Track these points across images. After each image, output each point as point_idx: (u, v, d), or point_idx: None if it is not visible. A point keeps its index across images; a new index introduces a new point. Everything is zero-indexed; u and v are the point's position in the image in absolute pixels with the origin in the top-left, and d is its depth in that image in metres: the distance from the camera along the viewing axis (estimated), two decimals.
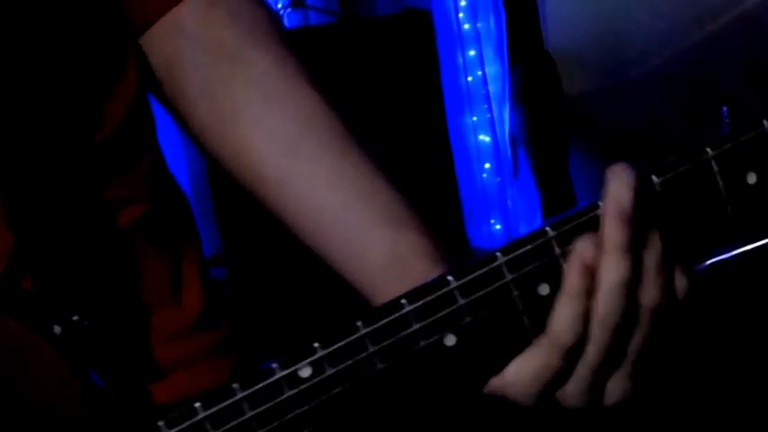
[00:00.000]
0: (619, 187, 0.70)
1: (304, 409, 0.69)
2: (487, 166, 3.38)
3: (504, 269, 0.71)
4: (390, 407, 0.70)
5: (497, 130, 3.41)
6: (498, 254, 0.71)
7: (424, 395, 0.71)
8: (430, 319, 0.71)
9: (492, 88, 3.39)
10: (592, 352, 0.70)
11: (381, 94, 2.82)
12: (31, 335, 0.69)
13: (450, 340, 0.71)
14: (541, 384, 0.71)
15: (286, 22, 2.97)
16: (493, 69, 3.39)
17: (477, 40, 3.36)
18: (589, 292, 0.70)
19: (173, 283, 0.85)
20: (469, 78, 3.37)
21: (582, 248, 0.70)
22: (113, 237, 0.80)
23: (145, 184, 0.84)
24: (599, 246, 0.70)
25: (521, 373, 0.71)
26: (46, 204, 0.75)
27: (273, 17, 0.89)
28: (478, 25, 3.36)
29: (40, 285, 0.72)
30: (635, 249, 0.70)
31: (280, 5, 2.94)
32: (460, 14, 3.33)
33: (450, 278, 0.71)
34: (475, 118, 3.38)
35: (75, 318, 0.70)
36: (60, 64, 0.79)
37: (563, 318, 0.70)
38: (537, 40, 3.48)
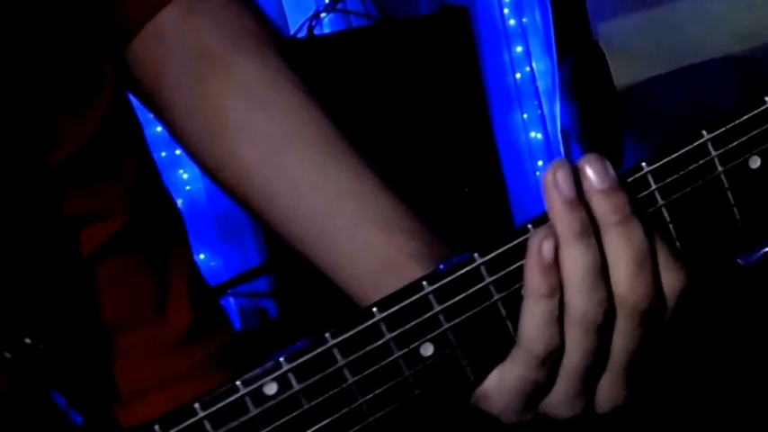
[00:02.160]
0: (559, 174, 0.65)
1: (271, 428, 0.64)
2: (540, 163, 3.34)
3: (484, 271, 0.66)
4: (365, 423, 0.65)
5: (549, 126, 3.36)
6: (476, 255, 0.66)
7: (404, 409, 0.66)
8: (404, 328, 0.66)
9: (541, 84, 3.35)
10: (572, 357, 0.65)
11: (422, 95, 2.79)
12: None
13: (428, 350, 0.66)
14: (523, 398, 0.66)
15: (328, 26, 2.95)
16: (541, 65, 3.35)
17: (523, 35, 3.32)
18: (554, 291, 0.65)
19: (157, 297, 0.82)
20: (518, 75, 3.33)
21: (537, 244, 0.65)
22: (73, 255, 0.76)
23: (125, 195, 0.81)
24: (555, 238, 0.65)
25: (501, 387, 0.66)
26: None
27: (261, 21, 0.85)
28: (524, 20, 3.32)
29: None
30: (597, 234, 0.65)
31: (322, 8, 2.93)
32: (505, 10, 3.29)
33: (424, 283, 0.66)
34: (525, 115, 3.34)
35: (26, 341, 0.67)
36: (29, 78, 0.76)
37: (532, 324, 0.65)
38: (585, 32, 3.43)
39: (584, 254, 0.65)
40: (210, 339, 0.84)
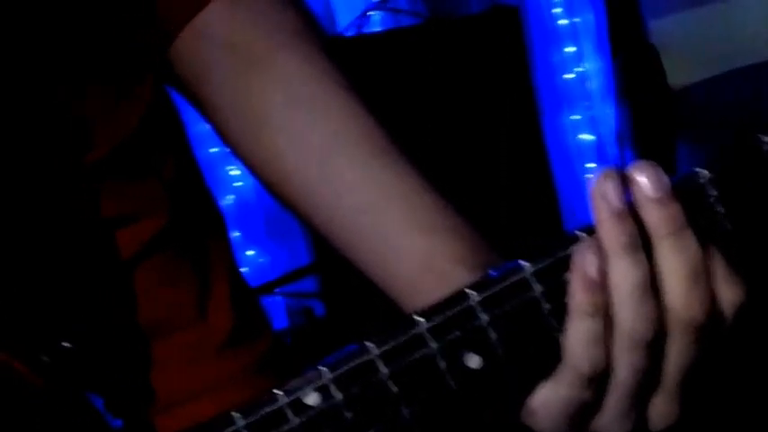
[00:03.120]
0: (607, 184, 0.63)
1: None
2: (591, 165, 3.31)
3: (533, 280, 0.64)
4: None
5: (600, 127, 3.33)
6: (525, 263, 0.64)
7: (447, 421, 0.64)
8: (449, 338, 0.64)
9: (593, 85, 3.31)
10: (621, 376, 0.63)
11: (470, 95, 2.77)
12: (19, 365, 0.65)
13: (474, 361, 0.64)
14: (569, 417, 0.63)
15: (378, 25, 2.95)
16: (593, 65, 3.32)
17: (575, 35, 3.29)
18: (600, 308, 0.62)
19: (197, 300, 0.80)
20: (569, 76, 3.30)
21: (581, 259, 0.63)
22: (111, 257, 0.75)
23: (165, 194, 0.80)
24: (602, 251, 0.63)
25: (547, 406, 0.64)
26: (32, 227, 0.71)
27: (306, 19, 0.84)
28: (576, 20, 3.29)
29: (25, 314, 0.68)
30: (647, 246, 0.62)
31: (371, 6, 2.92)
32: (556, 9, 3.26)
33: (470, 291, 0.64)
34: (576, 116, 3.31)
35: (64, 344, 0.66)
36: (65, 76, 0.76)
37: (577, 342, 0.62)
38: (639, 31, 3.39)
39: (632, 268, 0.63)
40: (252, 344, 0.82)
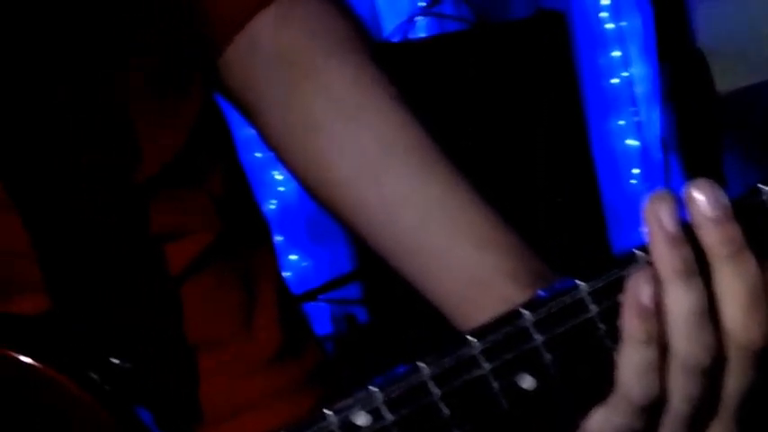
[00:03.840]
0: (661, 207, 0.61)
1: None
2: (636, 171, 3.28)
3: (588, 300, 0.63)
4: None
5: (646, 133, 3.30)
6: (581, 283, 0.63)
7: None
8: (502, 359, 0.63)
9: (639, 90, 3.29)
10: (676, 404, 0.61)
11: (516, 100, 2.76)
12: (68, 381, 0.65)
13: (528, 382, 0.63)
14: None
15: (423, 30, 2.94)
16: (640, 70, 3.29)
17: (621, 39, 3.26)
18: (654, 336, 0.61)
19: (244, 314, 0.79)
20: (614, 80, 3.27)
21: (635, 287, 0.61)
22: (160, 273, 0.75)
23: (214, 207, 0.79)
24: (656, 276, 0.61)
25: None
26: (84, 245, 0.71)
27: (354, 26, 0.83)
28: (622, 24, 3.26)
29: (74, 330, 0.68)
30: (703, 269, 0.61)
31: (416, 12, 2.92)
32: (603, 14, 3.23)
33: (524, 311, 0.63)
34: (622, 122, 3.28)
35: (113, 361, 0.65)
36: (114, 92, 0.75)
37: (630, 371, 0.61)
38: (686, 36, 3.36)
39: (688, 294, 0.61)
40: (298, 358, 0.81)
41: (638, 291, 0.61)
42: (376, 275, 2.66)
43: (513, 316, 0.63)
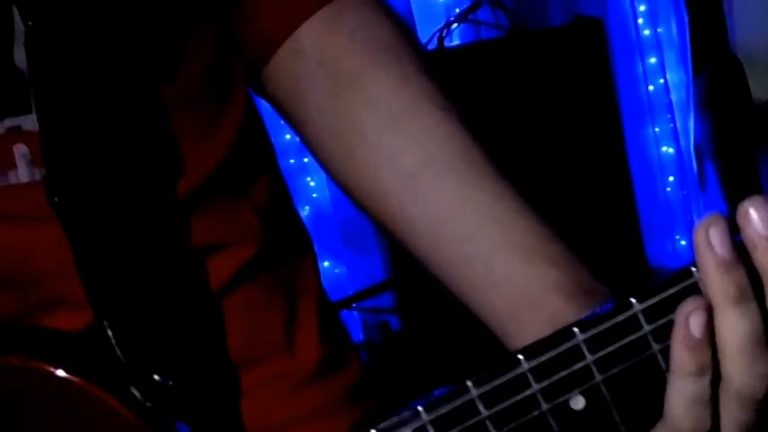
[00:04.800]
0: (712, 231, 0.59)
1: None
2: (671, 179, 3.25)
3: (642, 319, 0.61)
4: None
5: (681, 140, 3.27)
6: (634, 301, 0.61)
7: None
8: (553, 379, 0.61)
9: (675, 97, 3.26)
10: None
11: (554, 107, 2.74)
12: (110, 398, 0.64)
13: (579, 403, 0.61)
14: None
15: (458, 37, 2.93)
16: (676, 77, 3.27)
17: (657, 46, 3.24)
18: (704, 368, 0.59)
19: (285, 330, 0.78)
20: (650, 87, 3.25)
21: (684, 317, 0.59)
22: (202, 288, 0.74)
23: (257, 218, 0.78)
24: (707, 303, 0.59)
25: None
26: (126, 262, 0.70)
27: (401, 34, 0.82)
28: (659, 30, 3.24)
29: (118, 346, 0.67)
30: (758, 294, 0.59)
31: (452, 19, 2.91)
32: (639, 20, 3.21)
33: (575, 330, 0.61)
34: (657, 129, 3.26)
35: (155, 378, 0.64)
36: (158, 103, 0.74)
37: (678, 402, 0.59)
38: (723, 43, 3.33)
39: (741, 321, 0.59)
40: (340, 374, 0.80)
41: (687, 321, 0.59)
42: (410, 284, 2.65)
43: (564, 334, 0.61)
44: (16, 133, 0.70)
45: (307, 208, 2.91)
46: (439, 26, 2.89)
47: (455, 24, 2.86)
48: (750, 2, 3.33)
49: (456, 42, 2.89)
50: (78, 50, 0.70)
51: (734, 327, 0.59)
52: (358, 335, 2.82)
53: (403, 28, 0.82)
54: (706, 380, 0.59)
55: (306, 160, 2.71)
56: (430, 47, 2.82)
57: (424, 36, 2.88)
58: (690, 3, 3.24)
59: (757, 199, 0.61)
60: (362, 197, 0.80)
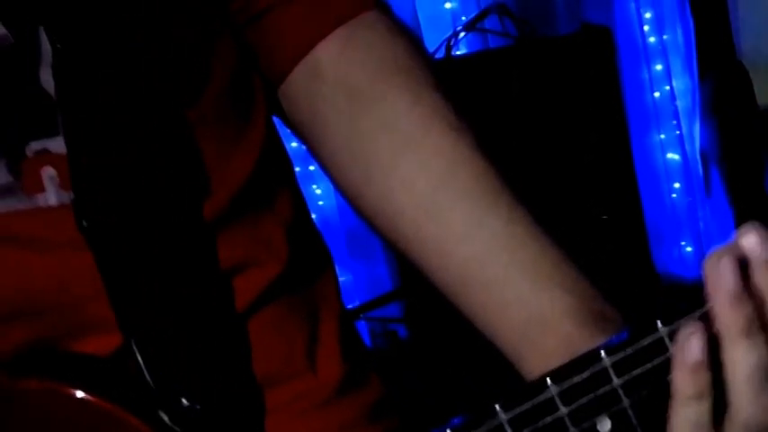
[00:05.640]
0: (723, 263, 0.60)
1: None
2: (677, 185, 3.26)
3: (668, 341, 0.62)
4: None
5: (687, 147, 3.27)
6: (659, 324, 0.62)
7: None
8: (580, 402, 0.61)
9: (681, 103, 3.26)
10: None
11: (562, 114, 2.74)
12: (138, 422, 0.64)
13: (606, 426, 0.62)
14: None
15: (465, 46, 2.93)
16: (681, 83, 3.27)
17: (663, 53, 3.24)
18: (704, 393, 0.59)
19: (308, 348, 0.78)
20: (656, 94, 3.25)
21: (683, 340, 0.60)
22: (228, 308, 0.74)
23: (283, 235, 0.78)
24: (711, 330, 0.60)
25: None
26: (154, 285, 0.71)
27: (416, 54, 0.82)
28: (665, 37, 3.24)
29: (146, 370, 0.67)
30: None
31: (459, 28, 2.91)
32: (645, 27, 3.21)
33: (602, 353, 0.62)
34: (663, 135, 3.26)
35: (183, 402, 0.65)
36: (182, 122, 0.74)
37: (680, 428, 0.60)
38: (728, 50, 3.33)
39: (749, 353, 0.60)
40: (361, 393, 0.80)
41: (686, 344, 0.60)
42: (417, 293, 2.65)
43: (591, 358, 0.62)
44: (44, 156, 0.70)
45: (313, 216, 2.91)
46: (446, 34, 2.89)
47: (462, 33, 2.86)
48: (756, 8, 3.34)
49: (463, 51, 2.89)
50: (106, 73, 0.71)
51: (742, 358, 0.60)
52: (365, 343, 2.82)
53: (416, 46, 0.83)
54: (706, 404, 0.60)
55: (312, 168, 2.70)
56: (437, 55, 2.83)
57: (431, 44, 2.88)
58: (695, 9, 3.25)
59: (750, 226, 0.62)
60: (376, 218, 0.80)
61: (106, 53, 0.71)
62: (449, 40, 2.85)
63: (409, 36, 0.83)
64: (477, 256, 0.76)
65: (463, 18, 2.95)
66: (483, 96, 2.65)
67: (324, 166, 0.83)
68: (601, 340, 0.66)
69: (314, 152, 0.83)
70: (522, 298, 0.74)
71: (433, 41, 2.89)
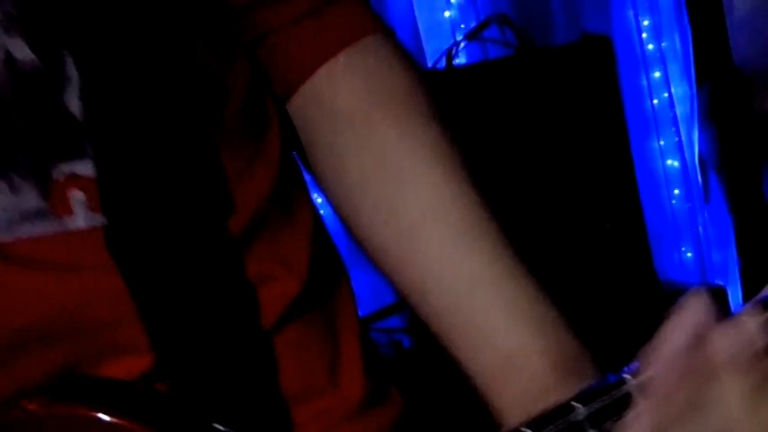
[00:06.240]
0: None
1: None
2: (677, 191, 3.26)
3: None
4: None
5: (686, 153, 3.28)
6: (628, 377, 0.65)
7: None
8: None
9: (679, 110, 3.27)
10: None
11: (562, 124, 2.74)
12: None
13: None
14: None
15: (465, 56, 2.92)
16: (680, 90, 3.27)
17: (661, 60, 3.25)
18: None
19: (330, 366, 0.80)
20: (655, 101, 3.26)
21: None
22: (255, 327, 0.75)
23: (307, 245, 0.80)
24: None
25: None
26: (185, 306, 0.72)
27: (413, 83, 0.83)
28: (663, 45, 3.25)
29: (177, 391, 0.69)
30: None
31: (460, 37, 2.90)
32: (644, 35, 3.22)
33: (576, 405, 0.65)
34: (662, 142, 3.26)
35: (217, 427, 0.67)
36: (205, 143, 0.75)
37: None
38: (725, 56, 3.34)
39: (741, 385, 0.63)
40: (383, 409, 0.82)
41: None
42: None
43: (564, 409, 0.65)
44: (72, 179, 0.71)
45: None
46: (446, 43, 2.89)
47: (462, 44, 2.86)
48: (752, 15, 3.34)
49: (463, 60, 2.89)
50: (131, 96, 0.71)
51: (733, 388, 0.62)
52: (384, 356, 2.82)
53: (415, 74, 0.83)
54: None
55: None
56: (439, 65, 2.83)
57: (431, 53, 2.88)
58: (693, 16, 3.25)
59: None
60: (363, 244, 0.82)
61: (131, 77, 0.72)
62: (450, 50, 2.84)
63: (409, 63, 0.84)
64: (457, 292, 0.77)
65: (462, 26, 2.95)
66: (484, 106, 2.65)
67: (321, 190, 0.85)
68: (573, 384, 0.68)
69: (311, 173, 0.85)
70: (497, 336, 0.75)
71: (432, 50, 2.88)
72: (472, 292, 0.77)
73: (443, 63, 2.82)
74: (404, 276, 0.80)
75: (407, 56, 0.84)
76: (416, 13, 2.96)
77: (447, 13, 2.96)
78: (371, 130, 0.81)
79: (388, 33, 0.85)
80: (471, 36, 2.87)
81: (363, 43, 0.82)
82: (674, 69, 3.27)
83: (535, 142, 2.71)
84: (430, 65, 2.84)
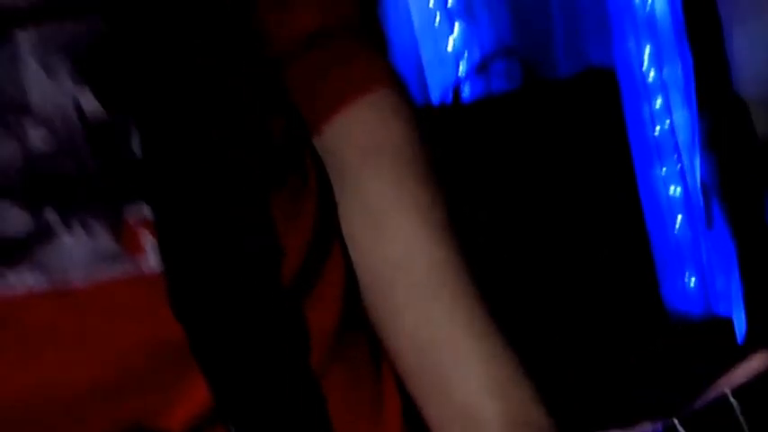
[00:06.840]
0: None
1: None
2: (680, 218, 3.27)
3: None
4: None
5: (688, 180, 3.29)
6: None
7: None
8: None
9: (681, 137, 3.28)
10: None
11: (568, 157, 2.76)
12: None
13: None
14: None
15: (468, 91, 2.94)
16: (681, 117, 3.29)
17: (663, 88, 3.26)
18: None
19: (372, 403, 0.81)
20: (657, 129, 3.27)
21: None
22: (306, 371, 0.76)
23: (345, 279, 0.82)
24: None
25: None
26: (244, 355, 0.72)
27: (409, 135, 0.84)
28: (664, 72, 3.26)
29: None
30: None
31: (463, 68, 2.92)
32: (645, 64, 3.23)
33: None
34: (665, 169, 3.27)
35: None
36: (257, 195, 0.77)
37: None
38: (726, 83, 3.36)
39: None
40: None
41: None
42: None
43: None
44: (142, 220, 0.72)
45: None
46: (449, 77, 2.90)
47: (467, 80, 2.88)
48: (753, 41, 3.36)
49: (467, 93, 2.91)
50: (189, 150, 0.73)
51: None
52: None
53: (414, 129, 0.85)
54: None
55: None
56: (443, 101, 2.85)
57: (435, 87, 2.89)
58: (694, 43, 3.27)
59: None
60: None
61: (189, 135, 0.73)
62: (456, 87, 2.86)
63: (410, 118, 0.85)
64: (421, 348, 0.79)
65: (466, 53, 2.96)
66: (493, 139, 2.67)
67: None
68: None
69: None
70: (451, 396, 0.77)
71: (436, 84, 2.90)
72: (435, 350, 0.78)
73: (449, 96, 2.84)
74: (379, 323, 0.81)
75: (410, 109, 0.86)
76: (420, 47, 2.96)
77: (450, 46, 2.99)
78: (360, 181, 0.83)
79: (396, 85, 0.86)
80: (480, 69, 2.88)
81: (371, 96, 0.84)
82: (676, 96, 3.28)
83: (542, 174, 2.72)
84: (434, 97, 2.86)
